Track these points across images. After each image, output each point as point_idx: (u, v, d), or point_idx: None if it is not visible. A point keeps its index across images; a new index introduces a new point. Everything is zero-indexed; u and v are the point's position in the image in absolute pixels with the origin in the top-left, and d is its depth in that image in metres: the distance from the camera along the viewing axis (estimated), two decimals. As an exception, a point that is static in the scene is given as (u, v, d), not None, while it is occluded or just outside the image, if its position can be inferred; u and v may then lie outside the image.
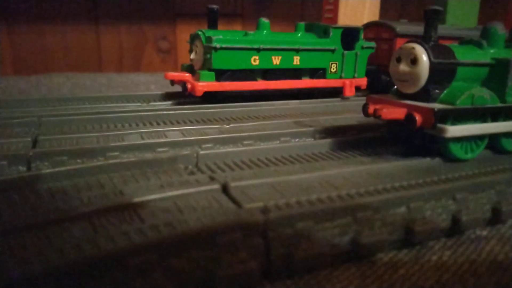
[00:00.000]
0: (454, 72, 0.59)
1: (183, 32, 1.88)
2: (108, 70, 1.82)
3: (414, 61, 0.58)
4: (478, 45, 0.63)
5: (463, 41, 0.66)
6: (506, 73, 0.60)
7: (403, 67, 0.59)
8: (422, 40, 0.58)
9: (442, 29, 1.03)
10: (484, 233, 0.48)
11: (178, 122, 0.79)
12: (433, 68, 0.57)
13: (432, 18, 0.58)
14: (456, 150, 0.58)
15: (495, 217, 0.50)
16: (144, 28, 1.84)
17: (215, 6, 0.98)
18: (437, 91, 0.58)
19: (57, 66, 1.74)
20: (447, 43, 0.63)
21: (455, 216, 0.47)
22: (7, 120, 0.71)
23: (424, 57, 0.57)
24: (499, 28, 0.64)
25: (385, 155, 0.62)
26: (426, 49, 0.57)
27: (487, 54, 0.62)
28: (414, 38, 0.60)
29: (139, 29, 1.83)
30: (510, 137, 0.63)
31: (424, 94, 0.58)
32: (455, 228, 0.47)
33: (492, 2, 2.10)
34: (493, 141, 0.63)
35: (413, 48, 0.58)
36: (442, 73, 0.58)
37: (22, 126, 0.70)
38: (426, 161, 0.58)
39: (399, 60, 0.60)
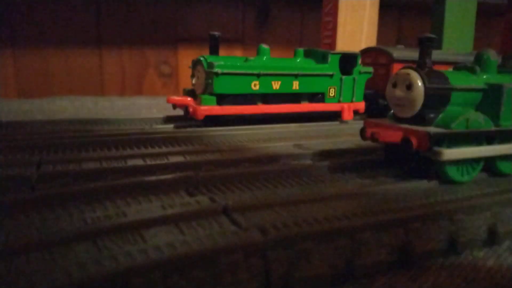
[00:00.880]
0: (448, 97, 0.61)
1: (185, 57, 1.92)
2: (111, 94, 1.84)
3: (409, 86, 0.59)
4: (472, 70, 0.65)
5: (457, 67, 0.68)
6: (499, 98, 0.62)
7: (399, 92, 0.61)
8: (417, 66, 0.60)
9: (438, 55, 1.06)
10: (481, 254, 0.49)
11: (179, 145, 0.80)
12: (428, 93, 0.59)
13: (427, 45, 0.60)
14: (452, 172, 0.60)
15: (492, 238, 0.50)
16: (146, 52, 1.87)
17: (216, 33, 1.01)
18: (432, 115, 0.60)
19: (60, 89, 1.76)
20: (443, 68, 0.65)
21: (452, 237, 0.47)
22: (11, 143, 0.72)
23: (419, 83, 0.59)
24: (492, 55, 0.66)
25: (383, 178, 0.63)
26: (421, 75, 0.59)
27: (481, 80, 0.64)
28: (411, 63, 0.62)
29: (141, 54, 1.87)
30: (506, 160, 0.65)
31: (420, 118, 0.60)
32: (452, 249, 0.47)
33: (486, 28, 2.15)
34: (489, 164, 0.64)
35: (408, 74, 0.60)
36: (436, 98, 0.60)
37: (27, 149, 0.72)
38: (423, 184, 0.59)
39: (395, 85, 0.62)
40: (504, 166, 0.65)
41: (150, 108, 1.49)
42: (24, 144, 0.72)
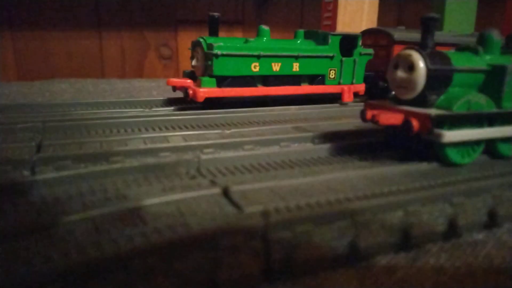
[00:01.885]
0: (450, 78, 0.60)
1: (185, 39, 1.90)
2: (111, 76, 1.83)
3: (411, 67, 0.59)
4: (475, 51, 0.64)
5: (460, 48, 0.67)
6: (502, 79, 0.61)
7: (401, 73, 0.60)
8: (419, 47, 0.59)
9: (439, 36, 1.04)
10: (481, 236, 0.49)
11: (180, 128, 0.80)
12: (430, 74, 0.58)
13: (429, 25, 0.59)
14: (453, 155, 0.59)
15: (492, 221, 0.50)
16: (146, 34, 1.85)
17: (216, 14, 1.00)
18: (434, 97, 0.59)
19: (60, 72, 1.75)
20: (444, 49, 0.64)
21: (452, 220, 0.47)
22: (11, 125, 0.72)
23: (421, 64, 0.58)
24: (495, 35, 0.65)
25: (383, 160, 0.63)
26: (423, 56, 0.58)
27: (483, 61, 0.63)
28: (412, 44, 0.61)
29: (141, 36, 1.85)
30: (507, 142, 0.64)
31: (421, 100, 0.59)
32: (452, 231, 0.47)
33: (489, 8, 2.12)
34: (489, 146, 0.63)
35: (410, 55, 0.59)
36: (438, 79, 0.59)
37: (27, 131, 0.71)
38: (423, 166, 0.59)
39: (396, 67, 0.61)
40: (504, 148, 0.64)
41: (150, 91, 1.48)
42: (24, 126, 0.72)
